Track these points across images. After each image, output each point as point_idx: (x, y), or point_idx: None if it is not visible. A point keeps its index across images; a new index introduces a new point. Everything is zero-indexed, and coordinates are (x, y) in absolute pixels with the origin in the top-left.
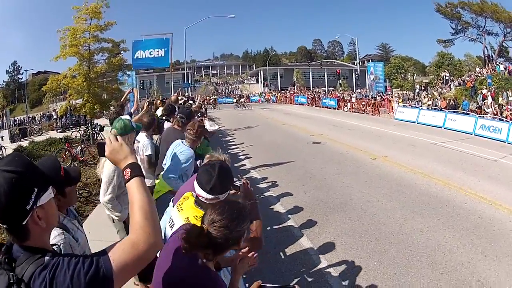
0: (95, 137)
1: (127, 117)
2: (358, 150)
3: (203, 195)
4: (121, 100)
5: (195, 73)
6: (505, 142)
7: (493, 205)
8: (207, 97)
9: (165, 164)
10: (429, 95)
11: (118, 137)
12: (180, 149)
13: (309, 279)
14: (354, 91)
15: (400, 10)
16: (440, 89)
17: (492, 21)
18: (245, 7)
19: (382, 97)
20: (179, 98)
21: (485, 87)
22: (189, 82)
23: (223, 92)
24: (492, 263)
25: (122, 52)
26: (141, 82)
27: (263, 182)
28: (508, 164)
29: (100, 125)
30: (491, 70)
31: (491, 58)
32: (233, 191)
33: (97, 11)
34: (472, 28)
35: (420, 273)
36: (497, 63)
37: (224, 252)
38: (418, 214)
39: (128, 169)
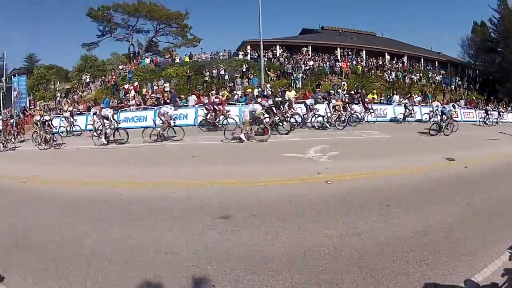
0: None
1: None
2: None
3: None
4: None
5: None
6: (154, 127)
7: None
8: None
9: None
10: (69, 101)
11: None
12: None
13: None
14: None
15: (49, 16)
16: (81, 93)
17: (145, 19)
18: None
19: (25, 113)
20: None
21: (127, 82)
22: None
23: None
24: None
25: None
26: None
27: None
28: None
29: None
30: (136, 65)
31: (137, 54)
32: None
33: None
34: (121, 28)
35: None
36: (143, 57)
37: None
38: None
39: None
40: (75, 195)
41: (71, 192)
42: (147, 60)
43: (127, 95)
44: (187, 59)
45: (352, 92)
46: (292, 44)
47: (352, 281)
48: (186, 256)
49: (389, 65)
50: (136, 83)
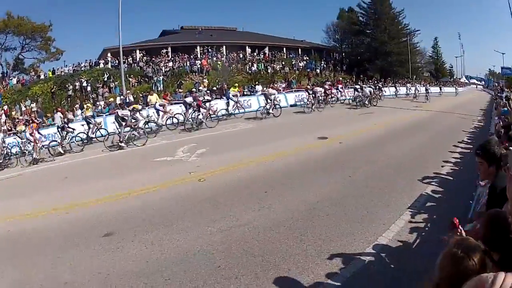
0: None
1: None
2: None
3: None
4: None
5: None
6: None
7: None
8: None
9: None
10: None
11: None
12: None
13: None
14: None
15: None
16: None
17: (13, 35)
18: None
19: None
20: None
21: None
22: None
23: None
24: None
25: None
26: None
27: None
28: None
29: None
30: (4, 87)
31: (5, 74)
32: None
33: None
34: None
35: None
36: (11, 78)
37: None
38: None
39: None
40: None
41: None
42: (14, 80)
43: None
44: (50, 74)
45: (214, 88)
46: (151, 47)
47: (251, 271)
48: (82, 285)
49: (250, 57)
50: (6, 107)
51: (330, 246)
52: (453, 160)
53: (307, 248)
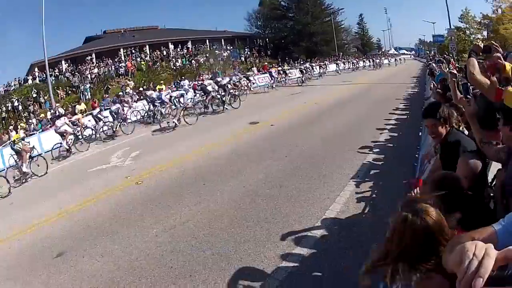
0: None
1: None
2: None
3: None
4: None
5: None
6: None
7: None
8: None
9: None
10: None
11: None
12: None
13: None
14: None
15: None
16: None
17: None
18: None
19: None
20: None
21: None
22: None
23: None
24: None
25: None
26: None
27: None
28: None
29: None
30: None
31: None
32: None
33: None
34: None
35: None
36: None
37: None
38: None
39: None
40: None
41: None
42: None
43: None
44: None
45: (141, 89)
46: (76, 56)
47: (204, 267)
48: None
49: (174, 53)
50: None
51: (278, 228)
52: (389, 127)
53: (255, 234)
